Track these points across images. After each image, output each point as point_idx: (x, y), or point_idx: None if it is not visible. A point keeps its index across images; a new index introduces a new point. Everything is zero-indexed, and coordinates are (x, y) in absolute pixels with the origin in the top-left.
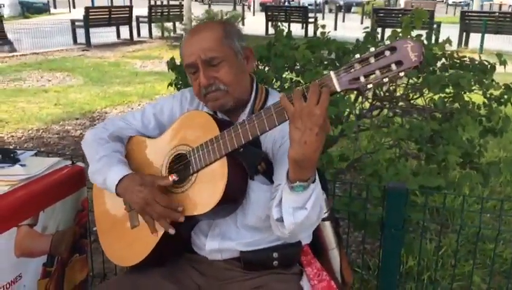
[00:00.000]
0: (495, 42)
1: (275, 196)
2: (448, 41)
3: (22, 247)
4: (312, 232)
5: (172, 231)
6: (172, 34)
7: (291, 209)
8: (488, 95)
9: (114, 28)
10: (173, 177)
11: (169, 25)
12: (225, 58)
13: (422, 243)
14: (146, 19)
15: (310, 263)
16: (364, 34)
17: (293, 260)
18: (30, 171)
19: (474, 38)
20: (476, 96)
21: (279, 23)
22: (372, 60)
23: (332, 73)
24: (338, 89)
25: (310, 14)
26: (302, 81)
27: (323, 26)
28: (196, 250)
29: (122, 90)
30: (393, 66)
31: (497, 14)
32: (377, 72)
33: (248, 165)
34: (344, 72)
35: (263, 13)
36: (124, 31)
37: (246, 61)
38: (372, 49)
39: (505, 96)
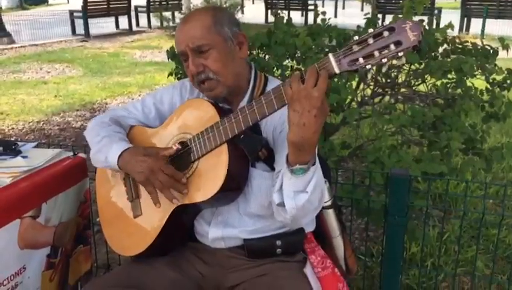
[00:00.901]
0: (496, 27)
1: (276, 181)
2: (450, 26)
3: (26, 239)
4: (315, 220)
5: (176, 202)
6: (171, 24)
7: (292, 193)
8: (490, 80)
9: (113, 19)
10: (177, 146)
11: (168, 14)
12: (213, 46)
13: (425, 230)
14: (145, 9)
15: (314, 251)
16: (365, 21)
17: (297, 248)
18: (32, 163)
19: (476, 24)
20: (478, 82)
21: (279, 11)
22: (370, 40)
23: (330, 55)
24: (337, 71)
25: (310, 2)
26: (303, 68)
27: (324, 13)
28: (199, 239)
29: (122, 81)
30: (392, 46)
31: None
32: (376, 52)
33: (249, 151)
34: (343, 54)
35: (262, 1)
36: (123, 21)
37: (238, 47)
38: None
39: (508, 81)
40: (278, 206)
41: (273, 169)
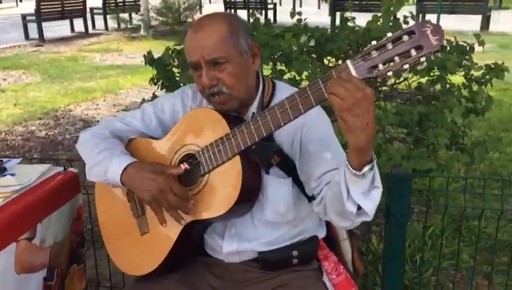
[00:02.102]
0: (450, 22)
1: (319, 190)
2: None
3: (22, 263)
4: (325, 225)
5: (183, 222)
6: (129, 26)
7: (366, 195)
8: (468, 76)
9: (67, 21)
10: (185, 166)
11: (125, 16)
12: (229, 59)
13: (412, 226)
14: (101, 11)
15: (327, 257)
16: (324, 19)
17: (312, 256)
18: (22, 181)
19: (430, 19)
20: (455, 78)
21: (255, 12)
22: (389, 46)
23: (349, 62)
24: None
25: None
26: (285, 69)
27: (300, 14)
28: (210, 253)
29: (84, 86)
30: (413, 52)
31: None
32: (396, 58)
33: (261, 160)
34: (361, 60)
35: (220, 1)
36: (78, 24)
37: (252, 59)
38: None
39: (487, 77)
40: (357, 215)
41: (288, 175)
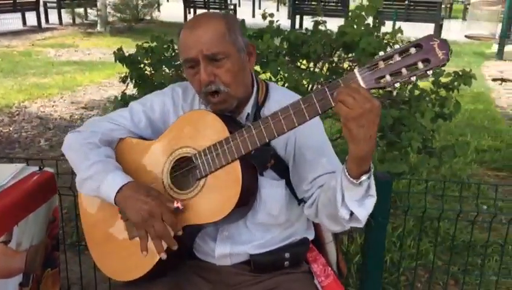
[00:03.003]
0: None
1: (312, 193)
2: (399, 30)
3: None
4: (313, 227)
5: (164, 256)
6: (84, 21)
7: (360, 202)
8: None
9: (19, 14)
10: (178, 205)
11: (80, 11)
12: (228, 55)
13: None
14: (55, 4)
15: (316, 260)
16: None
17: (302, 258)
18: None
19: (386, 26)
20: (423, 83)
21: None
22: (397, 57)
23: (356, 71)
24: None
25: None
26: (261, 71)
27: (272, 15)
28: (200, 256)
29: (39, 82)
30: (420, 64)
31: (406, 2)
32: (404, 70)
33: (258, 163)
34: (368, 70)
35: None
36: (31, 18)
37: (248, 57)
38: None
39: (455, 83)
40: (349, 220)
41: (281, 177)
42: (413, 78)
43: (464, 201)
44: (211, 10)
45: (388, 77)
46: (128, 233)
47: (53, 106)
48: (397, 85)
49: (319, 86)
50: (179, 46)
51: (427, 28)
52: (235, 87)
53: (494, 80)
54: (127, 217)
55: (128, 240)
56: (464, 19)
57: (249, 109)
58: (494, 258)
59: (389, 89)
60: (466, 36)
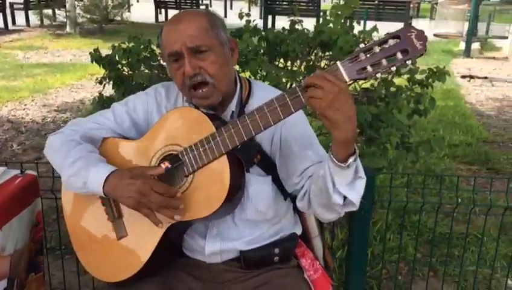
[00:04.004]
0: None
1: (302, 185)
2: (375, 29)
3: None
4: (300, 222)
5: (178, 218)
6: (53, 22)
7: (350, 185)
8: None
9: None
10: (166, 165)
11: (48, 12)
12: (211, 48)
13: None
14: (22, 6)
15: (304, 254)
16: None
17: (291, 254)
18: None
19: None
20: (398, 80)
21: None
22: (376, 49)
23: (339, 63)
24: (347, 79)
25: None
26: (240, 70)
27: (248, 15)
28: (189, 254)
29: (9, 85)
30: (399, 55)
31: (376, 1)
32: (383, 61)
33: (245, 159)
34: (349, 62)
35: (150, 0)
36: None
37: (231, 53)
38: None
39: (429, 80)
40: (343, 205)
41: (267, 173)
42: (393, 69)
43: (441, 194)
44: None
45: (369, 68)
46: (116, 233)
47: (24, 109)
48: (378, 75)
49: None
50: (162, 42)
51: (397, 27)
52: (220, 79)
53: (463, 77)
54: (124, 205)
55: (116, 240)
56: (431, 18)
57: (233, 106)
58: (470, 249)
59: (371, 79)
60: (434, 35)
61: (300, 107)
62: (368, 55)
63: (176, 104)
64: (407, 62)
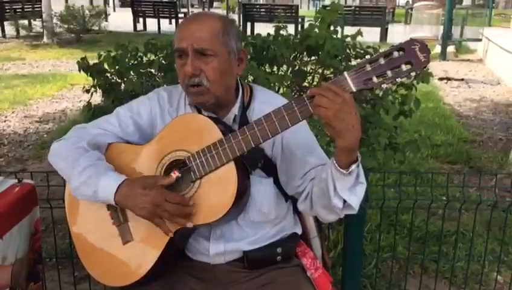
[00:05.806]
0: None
1: (304, 187)
2: (359, 33)
3: None
4: (300, 222)
5: (190, 225)
6: (29, 33)
7: (351, 190)
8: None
9: None
10: (176, 174)
11: (24, 22)
12: (217, 54)
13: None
14: None
15: (305, 254)
16: None
17: (293, 253)
18: None
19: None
20: None
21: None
22: (381, 60)
23: (346, 74)
24: (354, 89)
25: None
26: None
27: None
28: (192, 256)
29: None
30: (403, 67)
31: (353, 7)
32: (389, 72)
33: (250, 164)
34: (356, 72)
35: (124, 8)
36: None
37: (237, 63)
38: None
39: (414, 81)
40: (343, 208)
41: (268, 175)
42: (399, 80)
43: (423, 192)
44: (161, 19)
45: (375, 79)
46: (122, 238)
47: (5, 121)
48: (384, 86)
49: (289, 89)
50: (175, 34)
51: (375, 32)
52: (216, 86)
53: (441, 79)
54: (136, 215)
55: (122, 245)
56: (406, 22)
57: (235, 110)
58: (458, 247)
59: (377, 90)
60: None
61: (307, 116)
62: (374, 66)
63: (179, 108)
64: (411, 74)
